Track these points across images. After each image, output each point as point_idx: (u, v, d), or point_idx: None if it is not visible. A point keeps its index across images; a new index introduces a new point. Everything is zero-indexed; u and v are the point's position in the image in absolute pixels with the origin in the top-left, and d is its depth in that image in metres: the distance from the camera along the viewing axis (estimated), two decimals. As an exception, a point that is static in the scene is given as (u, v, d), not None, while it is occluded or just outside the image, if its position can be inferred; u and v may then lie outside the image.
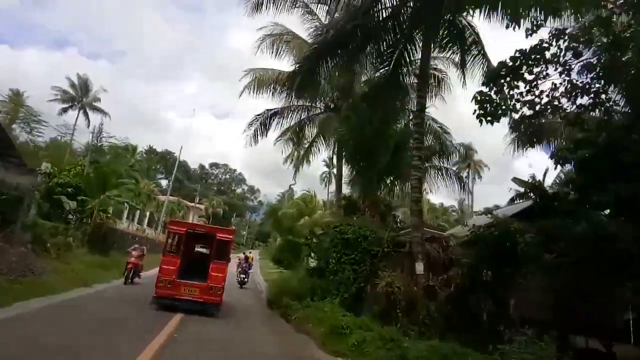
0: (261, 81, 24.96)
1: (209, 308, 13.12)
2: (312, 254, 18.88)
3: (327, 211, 49.56)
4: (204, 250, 16.26)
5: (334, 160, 24.96)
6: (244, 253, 31.72)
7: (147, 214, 47.72)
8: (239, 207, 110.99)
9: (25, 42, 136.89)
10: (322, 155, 27.32)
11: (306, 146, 27.91)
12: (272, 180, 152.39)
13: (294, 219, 40.49)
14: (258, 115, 26.18)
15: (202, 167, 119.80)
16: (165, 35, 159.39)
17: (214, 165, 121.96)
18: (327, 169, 76.19)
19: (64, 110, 63.86)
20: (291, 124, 26.69)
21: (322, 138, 26.76)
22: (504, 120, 9.50)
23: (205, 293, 13.06)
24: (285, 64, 22.28)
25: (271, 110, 26.15)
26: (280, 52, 23.53)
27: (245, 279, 24.99)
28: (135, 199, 39.12)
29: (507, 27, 9.96)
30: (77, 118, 64.20)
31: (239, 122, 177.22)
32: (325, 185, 72.42)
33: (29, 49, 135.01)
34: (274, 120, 26.41)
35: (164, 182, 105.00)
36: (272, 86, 24.84)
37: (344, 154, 22.81)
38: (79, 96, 64.48)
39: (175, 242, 14.49)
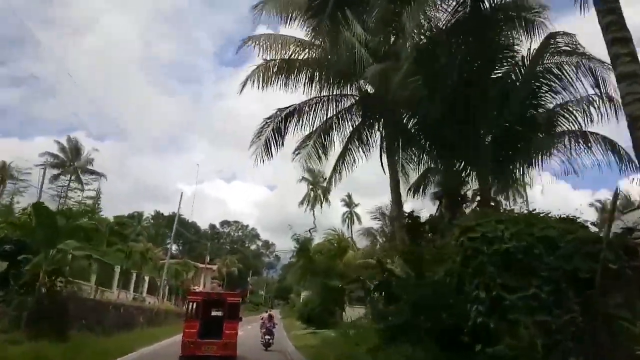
0: (268, 68, 17.61)
1: None
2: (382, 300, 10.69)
3: (359, 252, 41.08)
4: (218, 313, 17.17)
5: (384, 160, 16.88)
6: (266, 311, 27.42)
7: (146, 278, 39.30)
8: (254, 264, 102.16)
9: (33, 133, 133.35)
10: (360, 165, 19.17)
11: (336, 158, 20.02)
12: (285, 237, 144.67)
13: (330, 259, 31.91)
14: (268, 119, 18.53)
15: (212, 226, 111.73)
16: (167, 108, 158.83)
17: (225, 223, 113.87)
18: (347, 209, 68.43)
19: (55, 177, 57.14)
20: (314, 127, 19.00)
21: (357, 141, 18.92)
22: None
23: (221, 348, 14.87)
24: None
25: (285, 109, 18.56)
26: (292, 17, 16.26)
27: (271, 340, 21.76)
28: (125, 260, 31.12)
29: None
30: (68, 183, 57.57)
31: (246, 182, 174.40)
32: (348, 227, 64.30)
33: (37, 138, 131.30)
34: (290, 122, 18.75)
35: (173, 247, 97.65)
36: (285, 70, 17.43)
37: (411, 136, 14.86)
38: (70, 160, 58.04)
39: (195, 309, 16.24)
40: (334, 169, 20.25)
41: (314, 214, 59.72)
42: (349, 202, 67.12)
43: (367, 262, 33.99)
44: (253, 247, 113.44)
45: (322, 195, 60.33)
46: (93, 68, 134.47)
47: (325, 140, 19.37)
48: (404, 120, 12.90)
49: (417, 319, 8.04)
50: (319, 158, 20.56)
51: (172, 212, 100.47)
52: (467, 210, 11.05)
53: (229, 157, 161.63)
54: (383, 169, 16.84)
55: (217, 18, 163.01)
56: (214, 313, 17.04)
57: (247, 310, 62.42)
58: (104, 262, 24.96)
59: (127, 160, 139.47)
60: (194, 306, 16.22)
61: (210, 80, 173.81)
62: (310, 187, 58.95)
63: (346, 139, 19.15)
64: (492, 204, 10.75)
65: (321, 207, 59.06)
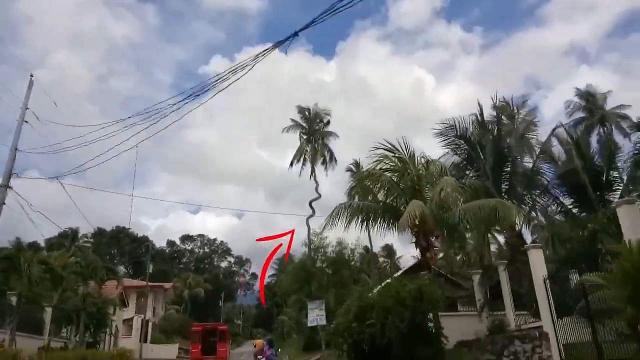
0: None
1: None
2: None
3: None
4: (213, 338, 28.71)
5: None
6: (259, 337, 29.69)
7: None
8: (225, 284, 79.51)
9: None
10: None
11: None
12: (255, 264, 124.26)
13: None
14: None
15: (171, 243, 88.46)
16: (125, 142, 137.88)
17: (187, 238, 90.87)
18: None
19: None
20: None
21: None
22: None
23: None
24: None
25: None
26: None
27: None
28: None
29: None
30: None
31: (211, 213, 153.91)
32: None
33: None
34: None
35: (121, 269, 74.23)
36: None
37: None
38: None
39: (197, 335, 28.81)
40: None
41: (314, 177, 38.88)
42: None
43: None
44: (224, 264, 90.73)
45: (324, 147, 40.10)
46: (44, 105, 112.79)
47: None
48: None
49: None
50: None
51: (115, 226, 77.15)
52: None
53: (192, 189, 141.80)
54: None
55: (173, 49, 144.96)
56: (211, 338, 28.06)
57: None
58: None
59: (87, 197, 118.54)
60: (197, 334, 28.77)
61: (169, 112, 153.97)
62: (305, 137, 38.28)
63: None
64: None
65: (326, 165, 38.81)
